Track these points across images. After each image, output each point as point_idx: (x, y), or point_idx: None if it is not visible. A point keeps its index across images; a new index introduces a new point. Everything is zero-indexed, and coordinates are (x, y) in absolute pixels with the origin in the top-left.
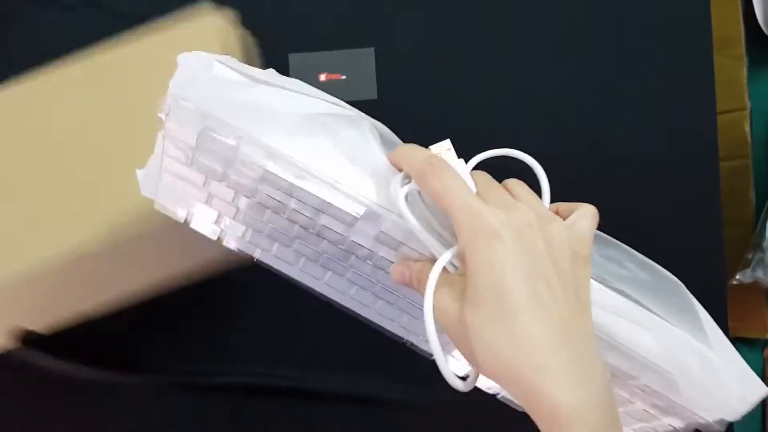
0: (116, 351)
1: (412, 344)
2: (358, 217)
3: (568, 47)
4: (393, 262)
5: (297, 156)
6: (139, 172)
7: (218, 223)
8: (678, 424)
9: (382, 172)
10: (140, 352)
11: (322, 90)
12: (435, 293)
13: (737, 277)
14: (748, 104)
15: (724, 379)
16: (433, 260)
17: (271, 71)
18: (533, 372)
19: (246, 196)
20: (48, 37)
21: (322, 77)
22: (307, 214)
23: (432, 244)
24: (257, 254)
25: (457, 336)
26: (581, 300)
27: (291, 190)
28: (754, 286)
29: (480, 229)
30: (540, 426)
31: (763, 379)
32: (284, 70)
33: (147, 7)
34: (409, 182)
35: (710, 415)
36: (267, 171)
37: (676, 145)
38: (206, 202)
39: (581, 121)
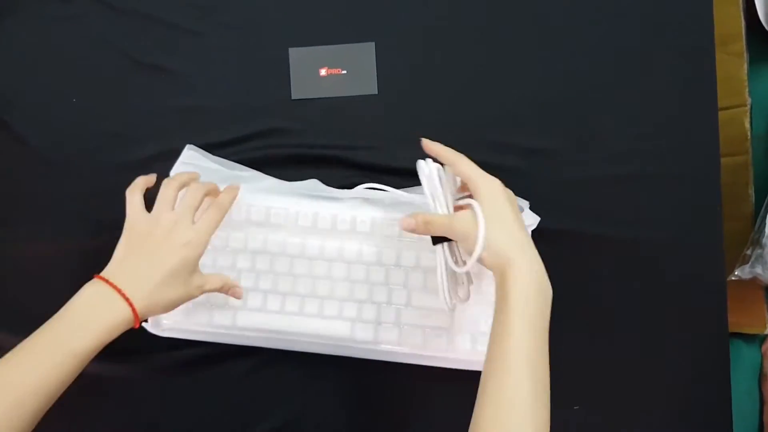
0: None
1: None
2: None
3: (569, 43)
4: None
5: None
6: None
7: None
8: None
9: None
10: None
11: (324, 83)
12: (450, 219)
13: (736, 273)
14: (749, 101)
15: None
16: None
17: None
18: (511, 252)
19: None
20: (47, 30)
21: (323, 72)
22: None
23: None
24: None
25: (462, 237)
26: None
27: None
28: (753, 283)
29: (487, 178)
30: (495, 276)
31: (761, 375)
32: (284, 65)
33: (144, 2)
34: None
35: None
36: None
37: (676, 141)
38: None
39: (582, 117)
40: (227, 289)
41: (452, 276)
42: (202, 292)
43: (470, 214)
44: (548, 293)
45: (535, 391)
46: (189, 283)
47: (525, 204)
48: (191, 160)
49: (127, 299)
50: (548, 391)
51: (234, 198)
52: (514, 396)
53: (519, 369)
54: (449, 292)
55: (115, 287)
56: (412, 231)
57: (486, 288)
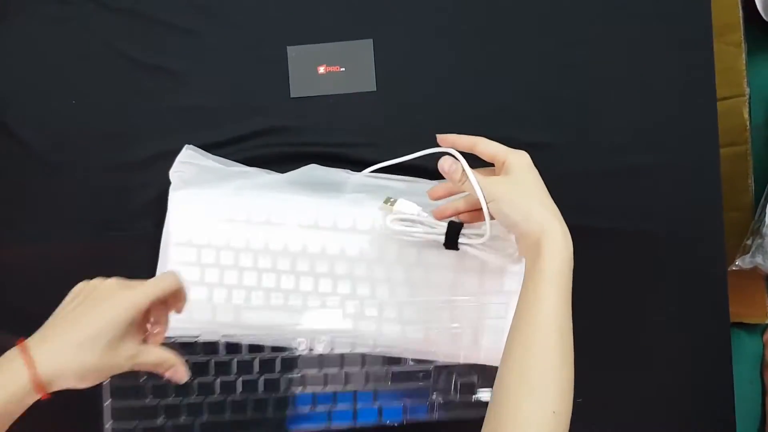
0: None
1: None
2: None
3: (568, 37)
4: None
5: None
6: None
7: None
8: None
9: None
10: None
11: (323, 81)
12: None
13: (737, 263)
14: (747, 91)
15: None
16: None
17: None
18: (546, 220)
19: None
20: (46, 30)
21: (321, 69)
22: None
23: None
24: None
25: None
26: None
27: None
28: (754, 272)
29: (514, 151)
30: (527, 244)
31: (762, 365)
32: (283, 63)
33: (143, 2)
34: None
35: None
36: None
37: (676, 133)
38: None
39: (581, 109)
40: (166, 368)
41: (492, 244)
42: (134, 366)
43: (499, 178)
44: (572, 263)
45: (562, 355)
46: (116, 351)
47: None
48: (190, 159)
49: (30, 362)
50: (572, 356)
51: (183, 290)
52: (543, 360)
53: (549, 334)
54: (501, 258)
55: (22, 348)
56: (448, 174)
57: (488, 284)
